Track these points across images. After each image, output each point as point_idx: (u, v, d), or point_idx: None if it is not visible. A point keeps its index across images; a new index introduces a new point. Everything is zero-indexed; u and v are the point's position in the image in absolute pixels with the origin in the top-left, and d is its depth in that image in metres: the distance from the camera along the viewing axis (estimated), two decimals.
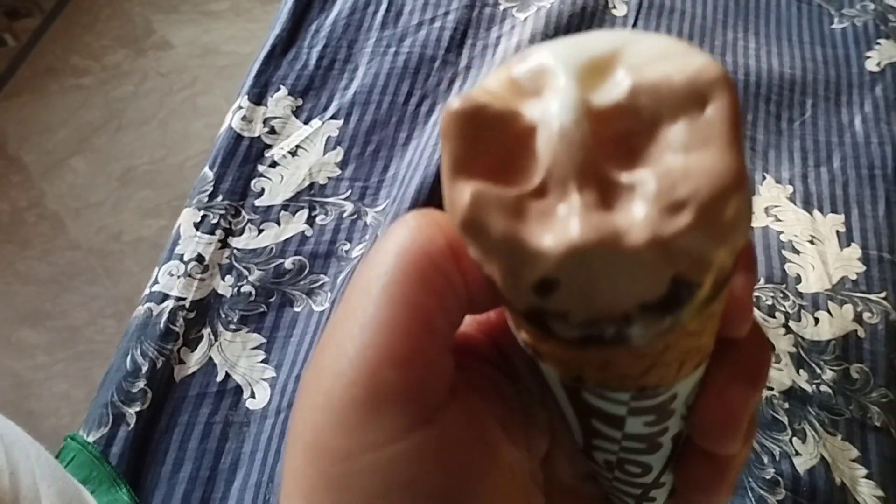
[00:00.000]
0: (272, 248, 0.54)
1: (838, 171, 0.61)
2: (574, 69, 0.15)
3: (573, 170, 0.14)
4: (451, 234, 0.17)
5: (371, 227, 0.55)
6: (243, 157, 0.58)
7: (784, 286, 0.54)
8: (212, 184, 0.57)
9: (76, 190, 1.32)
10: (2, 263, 1.24)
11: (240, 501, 0.44)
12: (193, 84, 1.47)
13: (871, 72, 0.67)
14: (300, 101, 0.62)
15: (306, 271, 0.53)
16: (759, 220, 0.58)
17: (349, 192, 0.58)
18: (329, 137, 0.60)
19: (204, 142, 1.37)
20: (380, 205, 0.57)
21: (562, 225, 0.14)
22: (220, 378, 0.49)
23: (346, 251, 0.54)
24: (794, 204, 0.59)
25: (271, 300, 0.52)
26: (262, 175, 0.58)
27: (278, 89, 0.63)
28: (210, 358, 0.49)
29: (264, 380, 0.49)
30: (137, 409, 0.47)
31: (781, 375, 0.50)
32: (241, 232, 0.55)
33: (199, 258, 0.53)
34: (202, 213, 0.55)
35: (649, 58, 0.15)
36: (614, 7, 0.70)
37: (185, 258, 0.53)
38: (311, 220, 0.56)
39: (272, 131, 0.60)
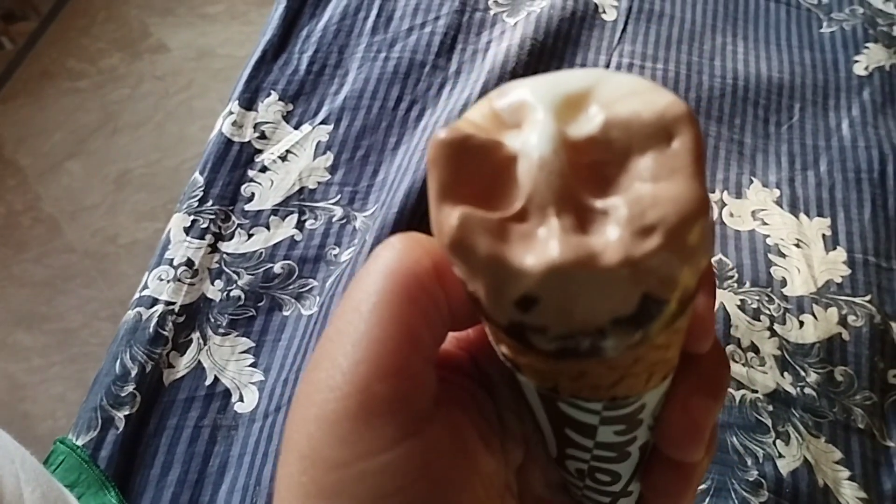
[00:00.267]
0: (262, 253, 0.55)
1: (825, 175, 0.61)
2: (551, 104, 0.16)
3: (552, 196, 0.15)
4: (435, 255, 0.18)
5: (360, 231, 0.56)
6: (233, 162, 0.59)
7: (769, 289, 0.55)
8: (202, 189, 0.57)
9: (72, 193, 1.33)
10: None
11: None
12: (189, 87, 1.48)
13: (858, 76, 0.68)
14: (291, 106, 0.63)
15: (295, 275, 0.54)
16: (745, 224, 0.58)
17: (339, 196, 0.58)
18: (319, 142, 0.61)
19: (199, 145, 1.37)
20: (369, 209, 0.57)
21: (542, 246, 0.15)
22: (208, 382, 0.49)
23: (335, 255, 0.55)
24: (781, 207, 0.59)
25: (260, 304, 0.52)
26: (252, 180, 0.58)
27: (269, 94, 0.63)
28: (199, 362, 0.50)
29: (253, 383, 0.49)
30: (126, 412, 0.47)
31: (766, 378, 0.50)
32: (231, 236, 0.55)
33: (189, 263, 0.53)
34: (192, 217, 0.56)
35: (620, 95, 0.16)
36: (604, 12, 0.71)
37: (175, 263, 0.53)
38: (300, 225, 0.56)
39: (262, 136, 0.61)
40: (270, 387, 0.49)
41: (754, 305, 0.53)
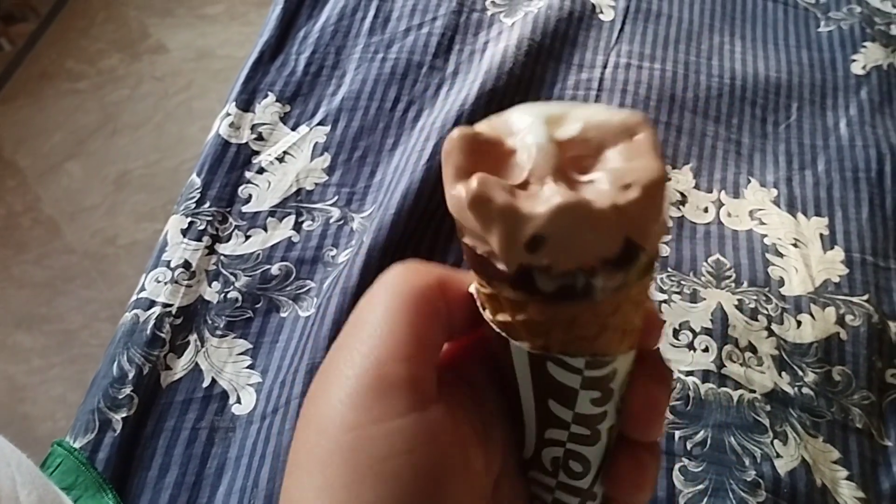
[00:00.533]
0: (259, 254, 0.55)
1: (823, 175, 0.61)
2: (538, 117, 0.21)
3: (548, 170, 0.19)
4: (438, 276, 0.23)
5: (357, 232, 0.56)
6: (231, 164, 0.59)
7: (767, 289, 0.54)
8: (199, 190, 0.57)
9: (71, 194, 1.33)
10: None
11: None
12: (188, 88, 1.48)
13: (856, 75, 0.68)
14: (288, 108, 0.63)
15: (293, 277, 0.54)
16: (743, 224, 0.58)
17: (336, 197, 0.58)
18: (316, 143, 0.61)
19: (199, 145, 1.36)
20: (366, 210, 0.57)
21: (546, 198, 0.19)
22: (206, 384, 0.49)
23: (333, 257, 0.55)
24: (779, 207, 0.59)
25: (258, 306, 0.52)
26: (249, 181, 0.58)
27: (266, 96, 0.63)
28: (196, 364, 0.50)
29: (250, 385, 0.49)
30: (124, 414, 0.47)
31: (764, 378, 0.50)
32: (228, 238, 0.55)
33: (186, 265, 0.53)
34: (189, 219, 0.56)
35: (590, 113, 0.21)
36: (601, 12, 0.71)
37: (172, 265, 0.53)
38: (297, 226, 0.56)
39: (260, 138, 0.61)
40: (268, 388, 0.49)
41: (752, 305, 0.53)
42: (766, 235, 0.57)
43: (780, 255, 0.56)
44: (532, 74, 0.65)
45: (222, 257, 0.54)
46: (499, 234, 0.19)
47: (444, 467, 0.21)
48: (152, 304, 0.51)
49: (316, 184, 0.59)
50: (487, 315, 0.22)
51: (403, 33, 0.68)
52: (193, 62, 1.52)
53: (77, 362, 1.15)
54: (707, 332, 0.52)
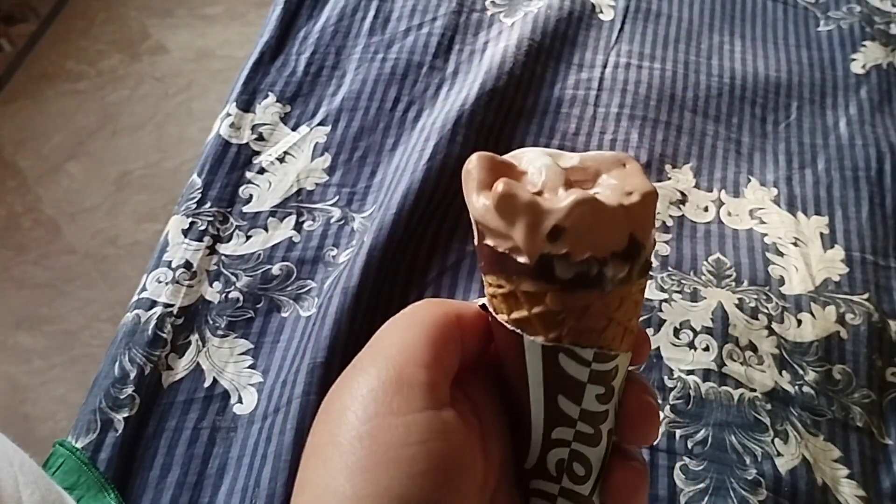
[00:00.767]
0: (260, 255, 0.55)
1: (823, 174, 0.61)
2: (542, 152, 0.24)
3: (559, 183, 0.22)
4: (455, 308, 0.25)
5: (358, 232, 0.56)
6: (231, 164, 0.59)
7: (767, 288, 0.55)
8: (200, 191, 0.57)
9: (72, 194, 1.33)
10: None
11: None
12: (188, 88, 1.48)
13: (856, 74, 0.68)
14: (288, 108, 0.63)
15: (294, 277, 0.54)
16: (743, 223, 0.58)
17: (336, 197, 0.58)
18: (317, 144, 0.61)
19: (199, 146, 1.37)
20: (367, 210, 0.57)
21: (563, 197, 0.21)
22: (207, 384, 0.49)
23: (334, 257, 0.55)
24: (779, 206, 0.59)
25: (259, 306, 0.53)
26: (250, 182, 0.58)
27: (266, 96, 0.63)
28: (198, 364, 0.50)
29: (251, 385, 0.49)
30: (125, 415, 0.47)
31: (764, 377, 0.50)
32: (229, 238, 0.55)
33: (187, 265, 0.53)
34: (190, 220, 0.56)
35: (584, 153, 0.24)
36: (601, 12, 0.71)
37: (174, 265, 0.53)
38: (298, 226, 0.56)
39: (260, 138, 0.61)
40: (269, 388, 0.49)
41: (752, 304, 0.54)
42: (766, 234, 0.57)
43: (781, 254, 0.56)
44: (532, 74, 0.65)
45: (223, 257, 0.54)
46: (524, 226, 0.21)
47: (454, 463, 0.22)
48: (153, 304, 0.51)
49: (316, 184, 0.59)
50: (502, 317, 0.24)
51: (403, 33, 0.68)
52: (193, 62, 1.52)
53: (78, 363, 1.15)
54: (707, 331, 0.52)
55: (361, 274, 0.51)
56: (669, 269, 0.55)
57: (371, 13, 0.69)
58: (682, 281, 0.55)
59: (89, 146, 1.39)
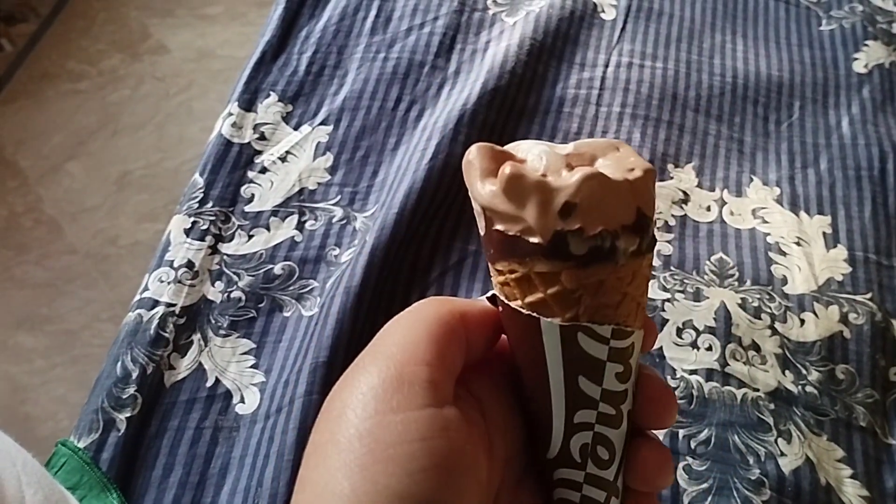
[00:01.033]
0: (262, 254, 0.55)
1: (825, 173, 0.61)
2: (537, 142, 0.24)
3: (561, 165, 0.23)
4: (458, 304, 0.25)
5: (360, 232, 0.56)
6: (233, 164, 0.59)
7: (770, 288, 0.54)
8: (202, 190, 0.57)
9: (72, 194, 1.33)
10: None
11: None
12: (189, 88, 1.48)
13: (858, 73, 0.68)
14: (290, 107, 0.63)
15: (296, 276, 0.54)
16: (745, 222, 0.58)
17: (338, 197, 0.58)
18: (319, 143, 0.61)
19: (200, 145, 1.37)
20: (369, 210, 0.57)
21: (570, 175, 0.22)
22: (209, 383, 0.49)
23: (336, 256, 0.55)
24: (781, 206, 0.59)
25: (261, 305, 0.52)
26: (252, 181, 0.58)
27: (268, 95, 0.63)
28: (200, 363, 0.50)
29: (254, 385, 0.49)
30: (128, 414, 0.47)
31: (767, 376, 0.50)
32: (231, 238, 0.55)
33: (190, 264, 0.53)
34: (192, 219, 0.56)
35: (577, 141, 0.25)
36: (603, 11, 0.71)
37: (176, 264, 0.53)
38: (300, 226, 0.56)
39: (262, 137, 0.61)
40: (272, 388, 0.49)
41: (755, 304, 0.53)
42: (768, 234, 0.57)
43: (783, 253, 0.56)
44: (534, 73, 0.65)
45: (225, 257, 0.54)
46: (535, 206, 0.22)
47: (455, 460, 0.22)
48: (156, 303, 0.51)
49: (318, 183, 0.59)
50: (516, 303, 0.24)
51: (405, 33, 0.68)
52: (194, 62, 1.52)
53: (79, 363, 1.15)
54: (710, 330, 0.52)
55: (364, 273, 0.51)
56: (672, 268, 0.55)
57: (373, 12, 0.69)
58: (685, 280, 0.55)
59: (90, 146, 1.39)
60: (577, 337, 0.23)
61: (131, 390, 0.48)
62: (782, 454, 0.47)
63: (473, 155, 0.24)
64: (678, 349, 0.51)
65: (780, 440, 0.48)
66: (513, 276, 0.23)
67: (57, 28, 1.56)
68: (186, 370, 0.49)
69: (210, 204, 0.57)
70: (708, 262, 0.56)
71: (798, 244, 0.57)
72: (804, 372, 0.51)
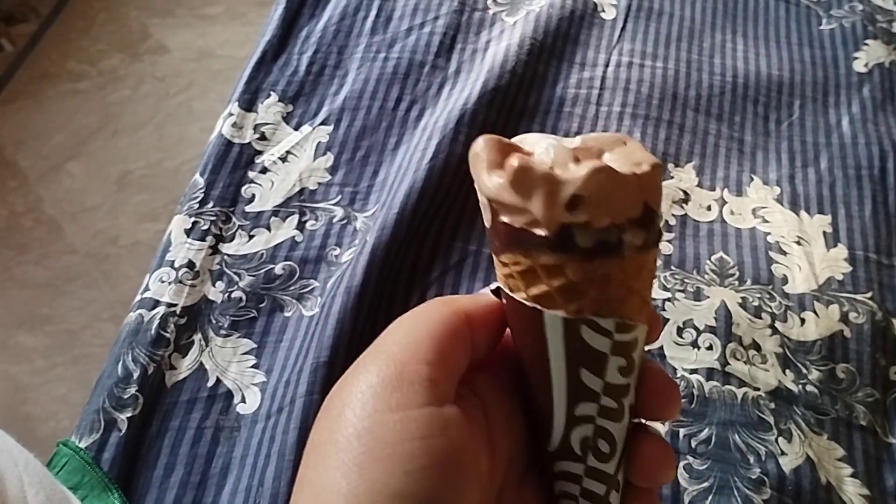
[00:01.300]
0: (262, 254, 0.55)
1: (825, 172, 0.61)
2: (544, 136, 0.24)
3: (568, 159, 0.22)
4: (462, 303, 0.25)
5: (361, 231, 0.56)
6: (234, 164, 0.59)
7: (771, 287, 0.55)
8: (202, 190, 0.57)
9: (73, 194, 1.33)
10: None
11: None
12: (189, 88, 1.48)
13: (858, 72, 0.68)
14: (290, 107, 0.63)
15: (296, 276, 0.54)
16: (746, 222, 0.58)
17: (339, 197, 0.58)
18: (319, 143, 0.61)
19: (200, 145, 1.37)
20: (369, 210, 0.57)
21: (578, 168, 0.22)
22: (210, 383, 0.49)
23: (336, 256, 0.55)
24: (782, 205, 0.59)
25: (262, 305, 0.52)
26: (252, 181, 0.58)
27: (269, 95, 0.63)
28: (201, 363, 0.50)
29: (255, 385, 0.49)
30: (129, 414, 0.47)
31: (767, 376, 0.50)
32: (232, 238, 0.55)
33: (190, 264, 0.53)
34: (193, 219, 0.56)
35: (584, 135, 0.25)
36: (603, 10, 0.71)
37: (176, 265, 0.53)
38: (301, 226, 0.56)
39: (263, 137, 0.61)
40: (272, 388, 0.49)
41: (755, 303, 0.53)
42: (769, 233, 0.57)
43: (784, 252, 0.56)
44: (534, 73, 0.65)
45: (226, 257, 0.54)
46: (542, 198, 0.22)
47: (455, 459, 0.22)
48: (156, 303, 0.51)
49: (319, 183, 0.59)
50: (520, 295, 0.24)
51: (405, 32, 0.68)
52: (194, 62, 1.52)
53: (79, 363, 1.15)
54: (711, 330, 0.52)
55: (364, 273, 0.51)
56: (672, 268, 0.55)
57: (373, 12, 0.69)
58: (685, 280, 0.55)
59: (90, 146, 1.39)
60: (581, 330, 0.23)
61: (132, 390, 0.48)
62: (783, 453, 0.47)
63: (480, 147, 0.24)
64: (679, 348, 0.51)
65: (780, 439, 0.48)
66: (517, 268, 0.23)
67: (57, 28, 1.56)
68: (187, 370, 0.50)
69: (211, 204, 0.57)
70: (708, 262, 0.56)
71: (798, 243, 0.57)
72: (804, 371, 0.51)
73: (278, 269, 0.54)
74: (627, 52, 0.67)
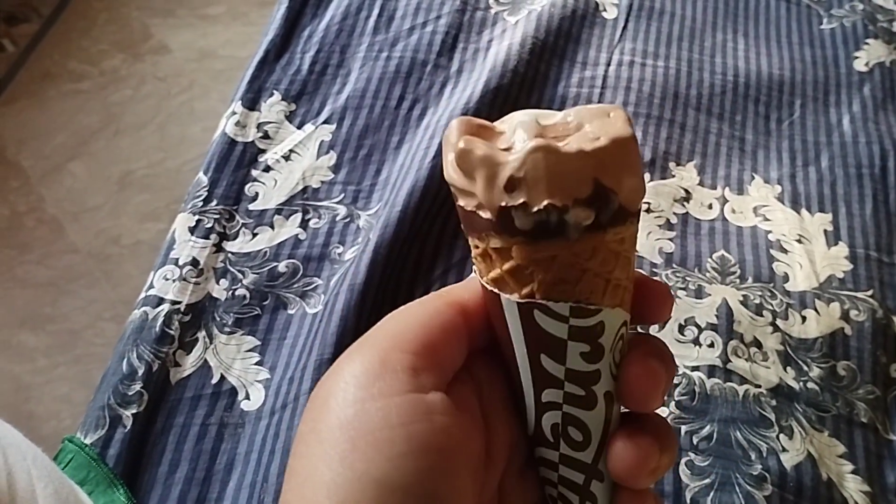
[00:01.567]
0: (266, 252, 0.55)
1: (826, 171, 0.62)
2: (531, 113, 0.23)
3: (530, 136, 0.22)
4: (457, 294, 0.25)
5: (364, 230, 0.56)
6: (237, 162, 0.59)
7: (772, 285, 0.55)
8: (206, 189, 0.57)
9: (75, 194, 1.33)
10: (1, 268, 1.24)
11: (235, 501, 0.45)
12: (191, 88, 1.48)
13: (859, 72, 0.68)
14: (293, 106, 0.63)
15: (300, 274, 0.54)
16: (747, 220, 0.58)
17: (342, 195, 0.58)
18: (322, 142, 0.61)
19: (201, 145, 1.38)
20: (372, 208, 0.58)
21: (521, 147, 0.21)
22: (215, 380, 0.49)
23: (339, 254, 0.55)
24: (783, 203, 0.59)
25: (265, 303, 0.53)
26: (255, 180, 0.59)
27: (272, 94, 0.64)
28: (205, 360, 0.50)
29: (258, 381, 0.50)
30: (134, 411, 0.47)
31: (769, 373, 0.50)
32: (236, 236, 0.56)
33: (194, 262, 0.54)
34: (197, 217, 0.56)
35: (575, 108, 0.23)
36: (604, 10, 0.71)
37: (181, 262, 0.54)
38: (304, 224, 0.57)
39: (266, 136, 0.61)
40: (276, 385, 0.49)
41: (757, 301, 0.54)
42: (770, 231, 0.58)
43: (785, 250, 0.57)
44: (536, 72, 0.65)
45: (230, 255, 0.55)
46: (482, 180, 0.21)
47: (439, 444, 0.21)
48: (161, 301, 0.52)
49: (322, 182, 0.59)
50: (484, 280, 0.23)
51: (408, 32, 0.68)
52: (195, 62, 1.52)
53: (81, 362, 1.16)
54: (712, 327, 0.52)
55: (367, 271, 0.51)
56: (674, 265, 0.56)
57: (375, 12, 0.69)
58: (687, 278, 0.55)
59: (92, 146, 1.39)
60: (535, 315, 0.22)
61: (137, 387, 0.48)
62: (784, 450, 0.47)
63: (450, 129, 0.23)
64: (680, 346, 0.51)
65: (781, 436, 0.48)
66: (477, 251, 0.23)
67: (58, 28, 1.56)
68: (192, 367, 0.50)
69: (214, 202, 0.57)
70: (710, 260, 0.56)
71: (799, 241, 0.57)
72: (805, 368, 0.51)
73: (282, 266, 0.54)
74: (629, 52, 0.68)
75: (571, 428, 0.24)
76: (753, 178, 0.61)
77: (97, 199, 1.33)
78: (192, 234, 0.55)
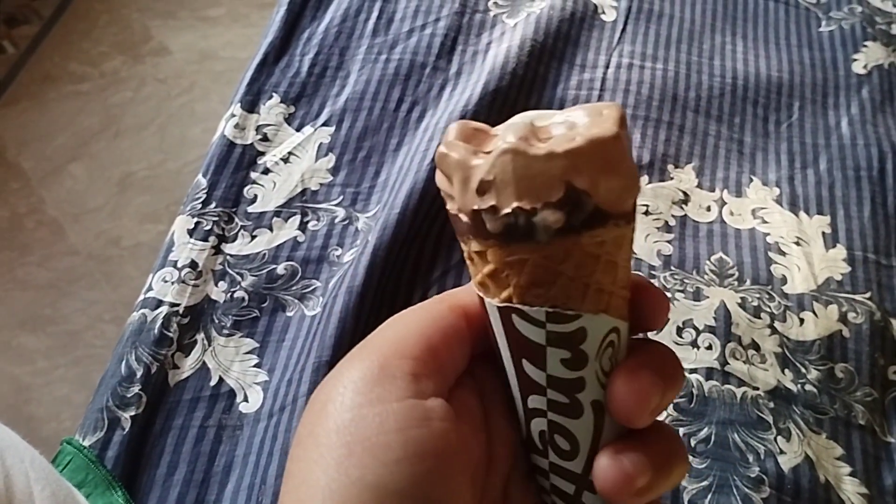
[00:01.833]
0: (265, 254, 0.55)
1: (824, 173, 0.62)
2: (529, 115, 0.23)
3: (513, 136, 0.21)
4: (459, 298, 0.25)
5: (362, 232, 0.56)
6: (236, 165, 0.59)
7: (770, 287, 0.55)
8: (205, 191, 0.58)
9: (75, 196, 1.33)
10: (1, 269, 1.25)
11: (233, 503, 0.45)
12: (191, 90, 1.48)
13: (857, 74, 0.68)
14: (292, 109, 0.63)
15: (298, 276, 0.54)
16: (745, 222, 0.59)
17: (341, 197, 0.58)
18: (321, 144, 0.61)
19: (201, 147, 1.38)
20: (371, 210, 0.58)
21: (495, 150, 0.21)
22: (213, 382, 0.49)
23: (338, 256, 0.55)
24: (781, 206, 0.60)
25: (264, 305, 0.53)
26: (254, 182, 0.59)
27: (271, 97, 0.64)
28: (204, 363, 0.50)
29: (257, 384, 0.50)
30: (132, 413, 0.47)
31: (767, 375, 0.51)
32: (234, 238, 0.56)
33: (193, 264, 0.54)
34: (195, 219, 0.56)
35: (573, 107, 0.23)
36: (603, 13, 0.71)
37: (179, 265, 0.54)
38: (303, 226, 0.57)
39: (265, 138, 0.61)
40: (275, 387, 0.49)
41: (755, 303, 0.54)
42: (768, 234, 0.58)
43: (783, 253, 0.57)
44: (535, 75, 0.66)
45: (228, 257, 0.55)
46: (458, 184, 0.22)
47: (436, 450, 0.21)
48: (160, 303, 0.52)
49: (321, 184, 0.59)
50: (473, 284, 0.24)
51: (406, 34, 0.68)
52: (196, 64, 1.52)
53: (81, 363, 1.16)
54: (710, 329, 0.52)
55: (366, 273, 0.51)
56: (672, 268, 0.56)
57: (374, 14, 0.70)
58: (685, 280, 0.55)
59: (92, 147, 1.39)
60: (513, 319, 0.22)
61: (136, 389, 0.48)
62: (782, 452, 0.47)
63: (447, 133, 0.23)
64: (678, 348, 0.51)
65: (779, 438, 0.48)
66: (465, 255, 0.23)
67: (59, 30, 1.56)
68: (190, 369, 0.50)
69: (213, 204, 0.57)
70: (708, 262, 0.56)
71: (797, 244, 0.57)
72: (803, 371, 0.51)
73: (280, 269, 0.54)
74: (627, 54, 0.68)
75: (558, 436, 0.24)
76: (752, 180, 0.61)
77: (97, 201, 1.33)
78: (191, 236, 0.55)
